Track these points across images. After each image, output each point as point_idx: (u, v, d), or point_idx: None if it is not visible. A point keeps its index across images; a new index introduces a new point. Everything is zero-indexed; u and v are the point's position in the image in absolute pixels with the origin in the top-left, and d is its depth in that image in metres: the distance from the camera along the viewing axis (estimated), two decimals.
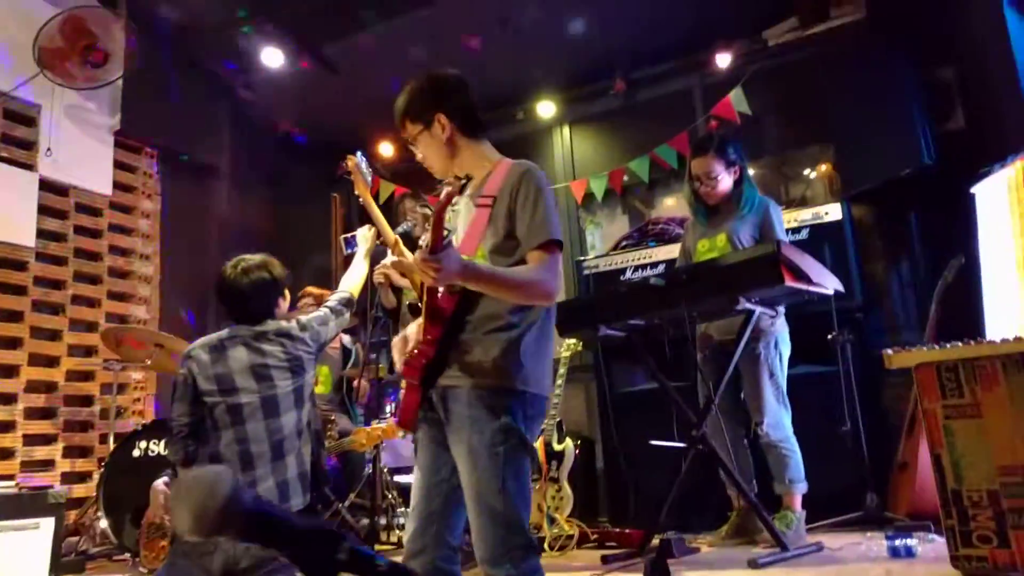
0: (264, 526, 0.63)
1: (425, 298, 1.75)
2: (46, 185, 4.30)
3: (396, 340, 1.92)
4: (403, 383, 1.90)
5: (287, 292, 2.77)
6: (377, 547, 3.43)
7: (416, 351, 1.75)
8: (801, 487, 2.93)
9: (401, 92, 1.92)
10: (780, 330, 2.96)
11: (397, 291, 3.93)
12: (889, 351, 2.25)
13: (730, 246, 3.00)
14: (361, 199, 3.07)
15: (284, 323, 2.65)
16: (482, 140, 1.91)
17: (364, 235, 3.07)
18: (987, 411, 1.99)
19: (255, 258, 2.68)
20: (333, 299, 2.87)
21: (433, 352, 1.73)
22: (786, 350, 2.98)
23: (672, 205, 5.00)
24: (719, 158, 3.04)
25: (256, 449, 2.42)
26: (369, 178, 3.07)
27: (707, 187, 3.06)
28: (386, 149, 5.71)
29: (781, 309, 2.96)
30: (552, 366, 1.84)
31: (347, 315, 2.85)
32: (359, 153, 3.10)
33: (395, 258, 3.00)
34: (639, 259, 4.16)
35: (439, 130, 1.86)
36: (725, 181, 3.05)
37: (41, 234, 4.23)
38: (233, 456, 2.40)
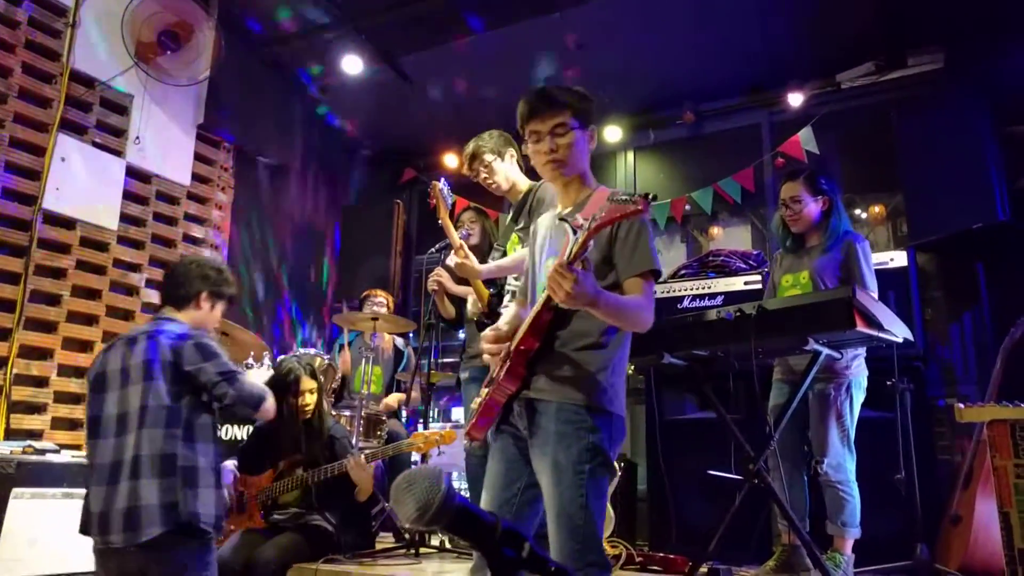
0: (468, 521, 0.72)
1: (538, 309, 1.75)
2: (131, 172, 4.51)
3: (487, 332, 1.94)
4: (484, 392, 1.89)
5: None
6: (422, 550, 3.50)
7: (509, 363, 1.78)
8: (854, 532, 2.93)
9: (555, 86, 1.91)
10: (855, 375, 2.96)
11: (455, 300, 4.02)
12: (960, 405, 2.27)
13: (812, 284, 3.03)
14: (441, 221, 3.24)
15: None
16: None
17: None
18: None
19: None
20: (248, 383, 2.48)
21: (526, 363, 1.78)
22: (859, 395, 2.97)
23: (730, 237, 5.04)
24: (807, 185, 3.07)
25: None
26: (450, 202, 3.23)
27: (791, 211, 3.09)
28: (451, 161, 5.83)
29: (861, 353, 2.97)
30: None
31: (234, 392, 2.38)
32: (442, 179, 3.28)
33: (459, 260, 3.13)
34: (697, 289, 4.19)
35: (591, 139, 1.92)
36: (809, 208, 3.07)
37: (123, 218, 4.43)
38: None
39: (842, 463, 2.91)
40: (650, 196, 1.55)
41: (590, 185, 1.94)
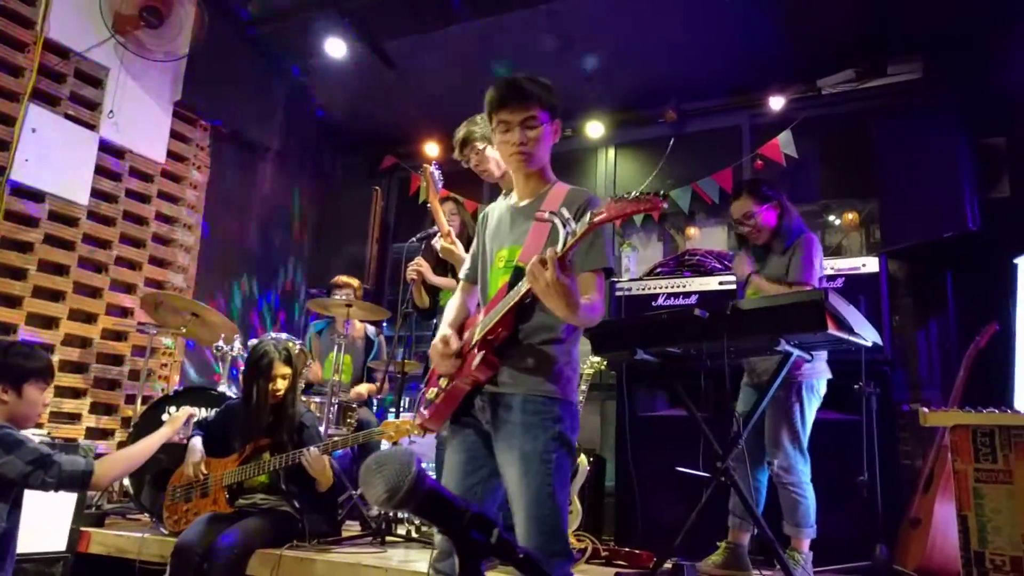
0: (437, 505, 0.71)
1: (516, 300, 1.77)
2: (104, 146, 4.41)
3: (437, 343, 1.92)
4: (445, 382, 1.88)
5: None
6: (388, 539, 3.49)
7: (483, 353, 1.79)
8: (808, 532, 2.96)
9: (526, 76, 1.90)
10: (807, 378, 2.96)
11: (432, 290, 4.00)
12: (925, 409, 2.29)
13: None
14: (429, 205, 3.24)
15: None
16: None
17: (176, 416, 2.82)
18: (1019, 479, 2.04)
19: None
20: (66, 459, 2.35)
21: (496, 352, 1.81)
22: (812, 399, 2.98)
23: (707, 237, 5.07)
24: (751, 197, 3.11)
25: None
26: (439, 187, 3.22)
27: (748, 227, 3.14)
28: (432, 149, 5.79)
29: (817, 356, 3.00)
30: None
31: (53, 478, 2.29)
32: (434, 164, 3.27)
33: (446, 245, 3.14)
34: (672, 287, 4.22)
35: (556, 133, 1.94)
36: (763, 217, 3.11)
37: (95, 193, 4.34)
38: None
39: (793, 465, 2.92)
40: (660, 193, 1.57)
41: (549, 179, 1.97)
